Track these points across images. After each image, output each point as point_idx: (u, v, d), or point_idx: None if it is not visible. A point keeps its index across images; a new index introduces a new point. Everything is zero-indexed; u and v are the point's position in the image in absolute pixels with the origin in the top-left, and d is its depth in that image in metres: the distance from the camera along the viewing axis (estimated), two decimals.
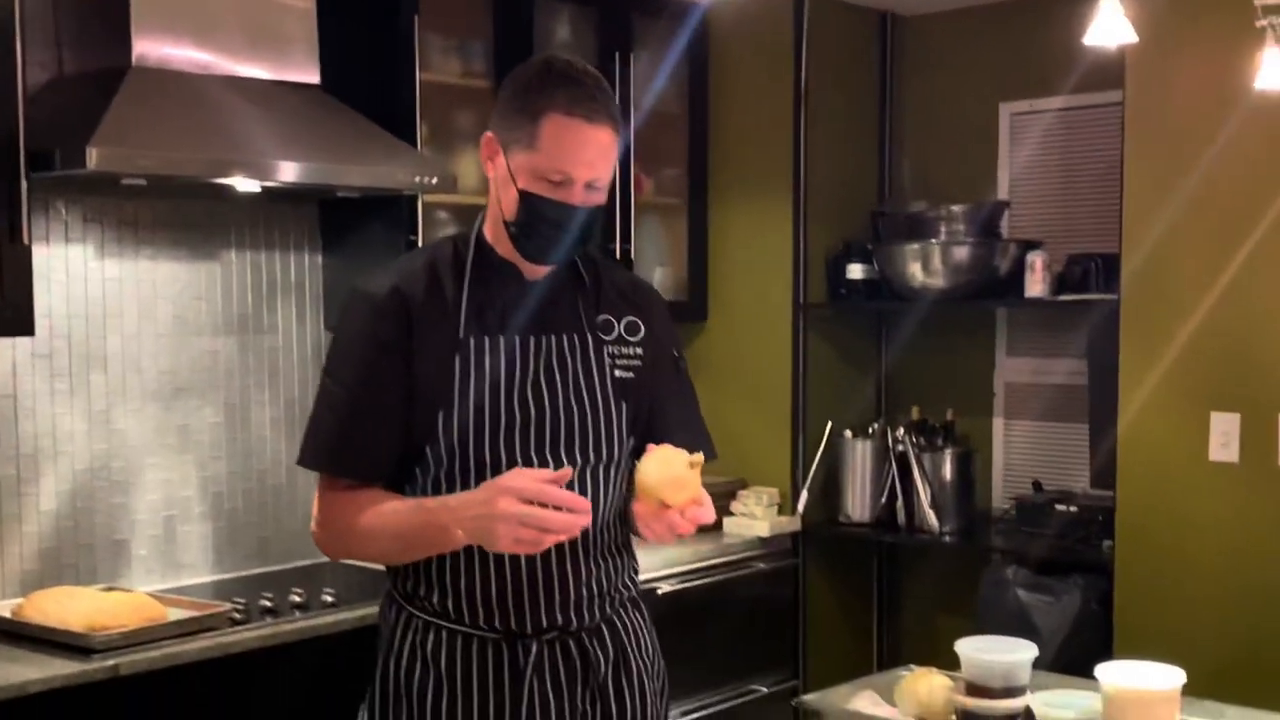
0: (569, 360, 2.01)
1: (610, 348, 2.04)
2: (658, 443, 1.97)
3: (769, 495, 3.95)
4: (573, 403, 1.99)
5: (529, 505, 1.75)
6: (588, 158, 1.91)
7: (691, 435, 2.07)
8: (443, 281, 1.99)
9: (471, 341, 1.96)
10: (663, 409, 2.08)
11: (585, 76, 1.94)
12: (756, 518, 3.90)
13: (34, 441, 2.98)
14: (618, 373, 2.03)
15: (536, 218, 1.94)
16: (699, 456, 1.85)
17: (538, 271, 2.02)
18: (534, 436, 1.96)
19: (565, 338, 2.01)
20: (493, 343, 1.97)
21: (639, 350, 2.06)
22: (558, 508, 1.76)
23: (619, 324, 2.06)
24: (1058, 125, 3.94)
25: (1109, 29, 2.25)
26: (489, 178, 2.01)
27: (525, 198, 1.93)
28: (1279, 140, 3.07)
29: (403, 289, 1.97)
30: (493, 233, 2.02)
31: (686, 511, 1.84)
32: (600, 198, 1.96)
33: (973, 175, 4.07)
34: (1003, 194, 4.02)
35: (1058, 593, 3.49)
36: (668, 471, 1.84)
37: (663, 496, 1.83)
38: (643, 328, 2.08)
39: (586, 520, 1.77)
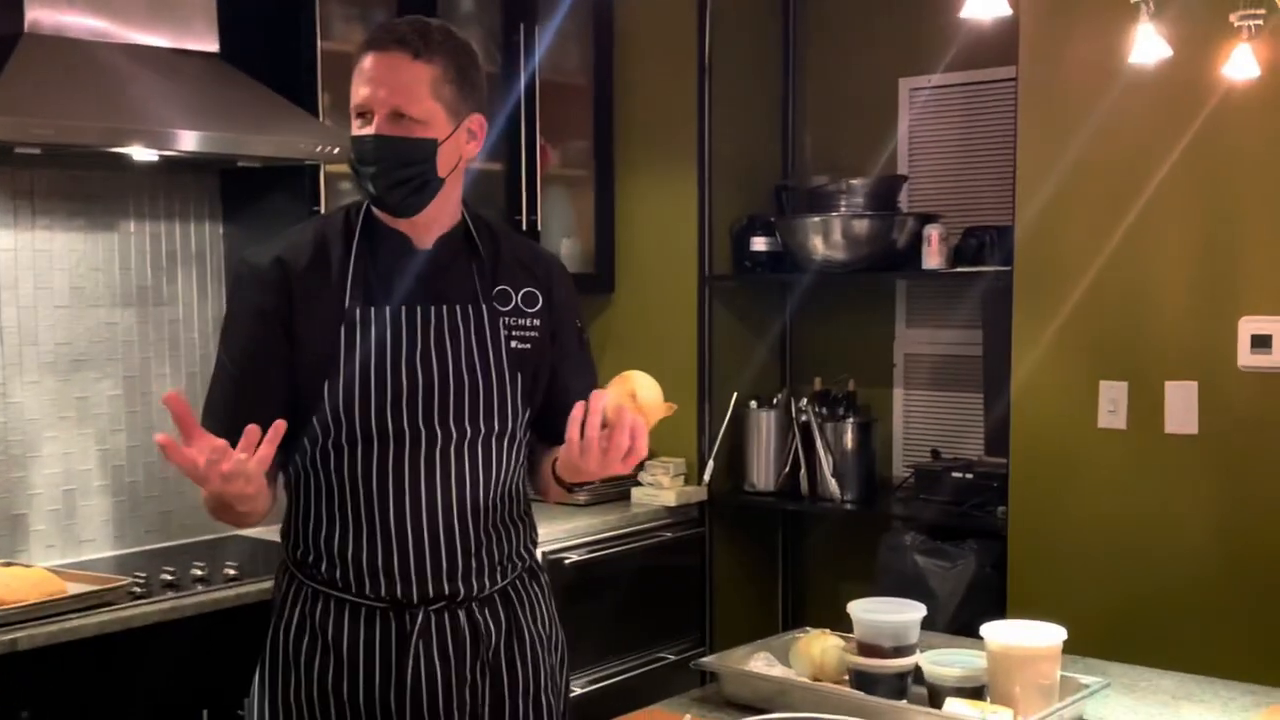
0: (461, 330, 2.01)
1: (506, 319, 2.04)
2: (559, 417, 1.99)
3: (675, 465, 3.99)
4: (464, 373, 2.00)
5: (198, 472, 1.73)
6: (374, 77, 1.92)
7: None
8: (330, 251, 1.99)
9: (357, 311, 1.96)
10: (565, 382, 2.09)
11: (401, 23, 1.97)
12: (663, 487, 3.95)
13: None
14: (513, 344, 2.04)
15: (355, 158, 1.96)
16: (674, 405, 1.90)
17: (427, 240, 2.02)
18: (422, 405, 1.97)
19: (459, 308, 2.02)
20: (379, 312, 1.97)
21: (536, 322, 2.07)
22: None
23: (516, 295, 2.07)
24: (955, 100, 4.02)
25: (985, 2, 2.30)
26: None
27: (350, 142, 1.97)
28: (1160, 113, 3.16)
29: (285, 259, 1.97)
30: None
31: (638, 437, 1.84)
32: (415, 130, 1.92)
33: (873, 149, 4.13)
34: (902, 168, 4.09)
35: (953, 558, 3.58)
36: (659, 397, 1.88)
37: (649, 413, 1.86)
38: (541, 299, 2.08)
39: (246, 456, 1.73)
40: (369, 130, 1.93)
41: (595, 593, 3.65)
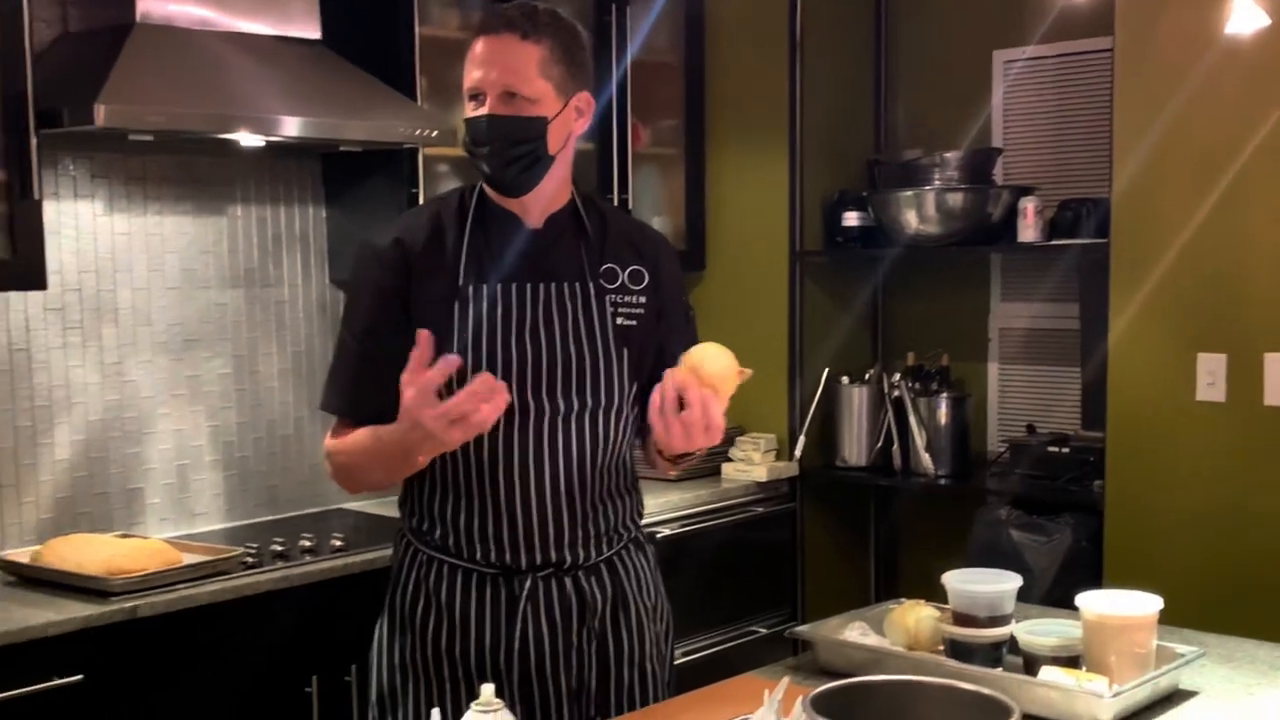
0: (569, 307, 2.06)
1: (612, 295, 2.09)
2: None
3: (766, 441, 4.02)
4: (571, 348, 2.05)
5: (439, 405, 1.80)
6: (485, 60, 1.98)
7: None
8: (445, 231, 2.06)
9: (470, 289, 2.03)
10: (673, 358, 2.14)
11: (509, 7, 2.02)
12: (754, 463, 3.98)
13: (48, 393, 3.05)
14: (619, 320, 2.09)
15: (470, 140, 2.02)
16: (748, 371, 1.91)
17: (538, 219, 2.08)
18: (531, 380, 2.02)
19: (566, 285, 2.07)
20: (491, 290, 2.03)
21: (643, 299, 2.11)
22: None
23: (623, 273, 2.12)
24: (1050, 72, 3.98)
25: None
26: None
27: (464, 125, 2.03)
28: (1257, 82, 3.10)
29: (404, 240, 2.05)
30: None
31: (709, 411, 1.85)
32: (526, 109, 1.98)
33: (966, 122, 4.10)
34: (996, 141, 4.06)
35: (1049, 532, 3.56)
36: (729, 366, 1.88)
37: (719, 384, 1.86)
38: (647, 276, 2.13)
39: (484, 381, 1.81)
40: (482, 111, 1.99)
41: (687, 567, 3.69)
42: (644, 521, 2.17)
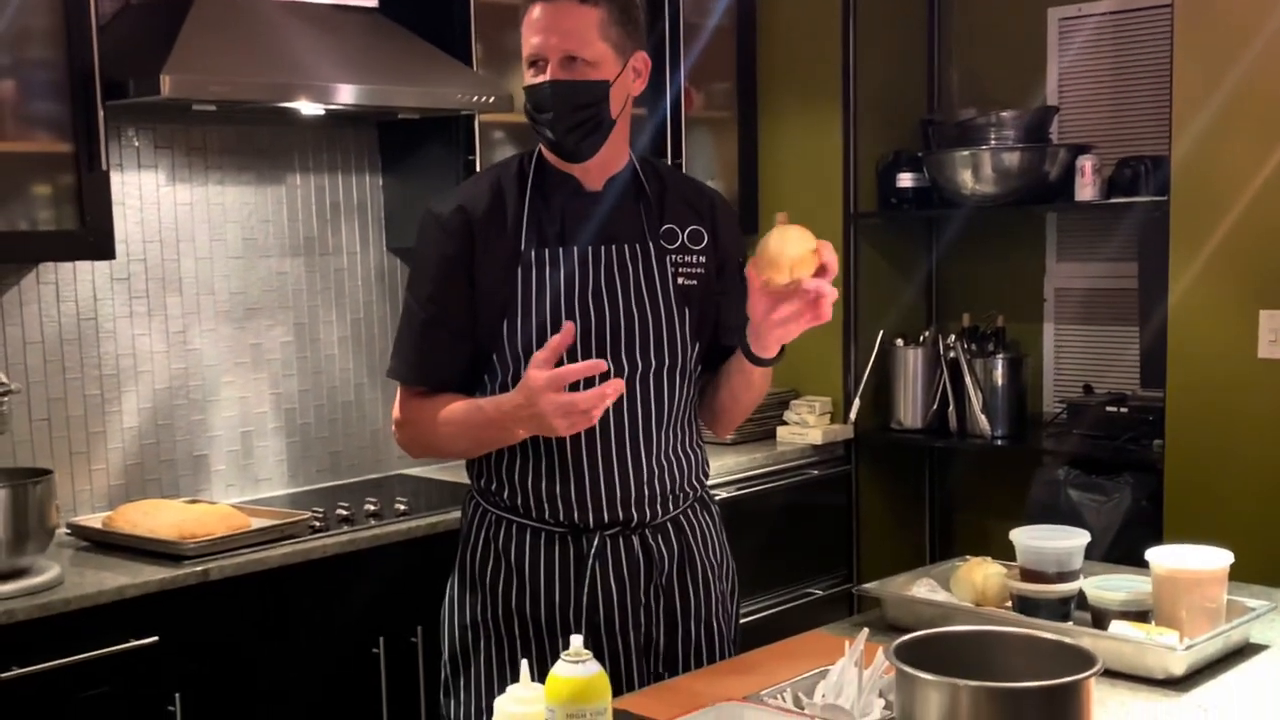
0: (630, 269, 2.08)
1: (673, 256, 2.10)
2: (724, 349, 2.06)
3: (821, 404, 4.02)
4: (634, 309, 2.06)
5: (562, 394, 1.84)
6: (544, 26, 1.98)
7: None
8: (506, 198, 2.07)
9: (532, 254, 2.04)
10: (733, 316, 2.14)
11: None
12: (809, 425, 3.98)
13: (115, 362, 3.10)
14: (680, 280, 2.10)
15: (532, 107, 2.03)
16: (826, 243, 1.85)
17: (597, 181, 2.09)
18: (594, 342, 2.04)
19: (627, 247, 2.08)
20: (553, 254, 2.05)
21: (702, 259, 2.12)
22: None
23: (683, 233, 2.13)
24: (1107, 29, 3.94)
25: None
26: None
27: (525, 92, 2.03)
28: None
29: (466, 207, 2.06)
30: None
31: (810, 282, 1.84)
32: (586, 73, 1.99)
33: (1022, 81, 4.07)
34: (1052, 99, 4.03)
35: (1109, 491, 3.55)
36: (800, 242, 1.83)
37: (795, 266, 1.82)
38: (706, 236, 2.14)
39: (615, 387, 1.85)
40: (543, 78, 1.99)
41: (742, 529, 3.70)
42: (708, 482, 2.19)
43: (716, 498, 3.60)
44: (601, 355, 2.04)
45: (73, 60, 2.67)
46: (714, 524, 2.22)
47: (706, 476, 2.22)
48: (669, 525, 2.13)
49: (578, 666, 1.47)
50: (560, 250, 2.05)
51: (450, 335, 2.06)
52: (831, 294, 1.87)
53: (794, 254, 1.83)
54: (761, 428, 3.98)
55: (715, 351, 2.14)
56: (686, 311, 2.10)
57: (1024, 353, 4.02)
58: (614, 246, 2.08)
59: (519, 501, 2.09)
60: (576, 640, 1.49)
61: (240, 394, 3.33)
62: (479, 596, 2.12)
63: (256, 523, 2.88)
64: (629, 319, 2.06)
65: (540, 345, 2.00)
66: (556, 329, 2.00)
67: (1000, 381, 3.93)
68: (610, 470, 2.06)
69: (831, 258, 1.86)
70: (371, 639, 2.91)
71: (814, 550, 4.01)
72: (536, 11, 1.99)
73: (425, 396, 2.09)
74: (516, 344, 2.03)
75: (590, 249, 2.06)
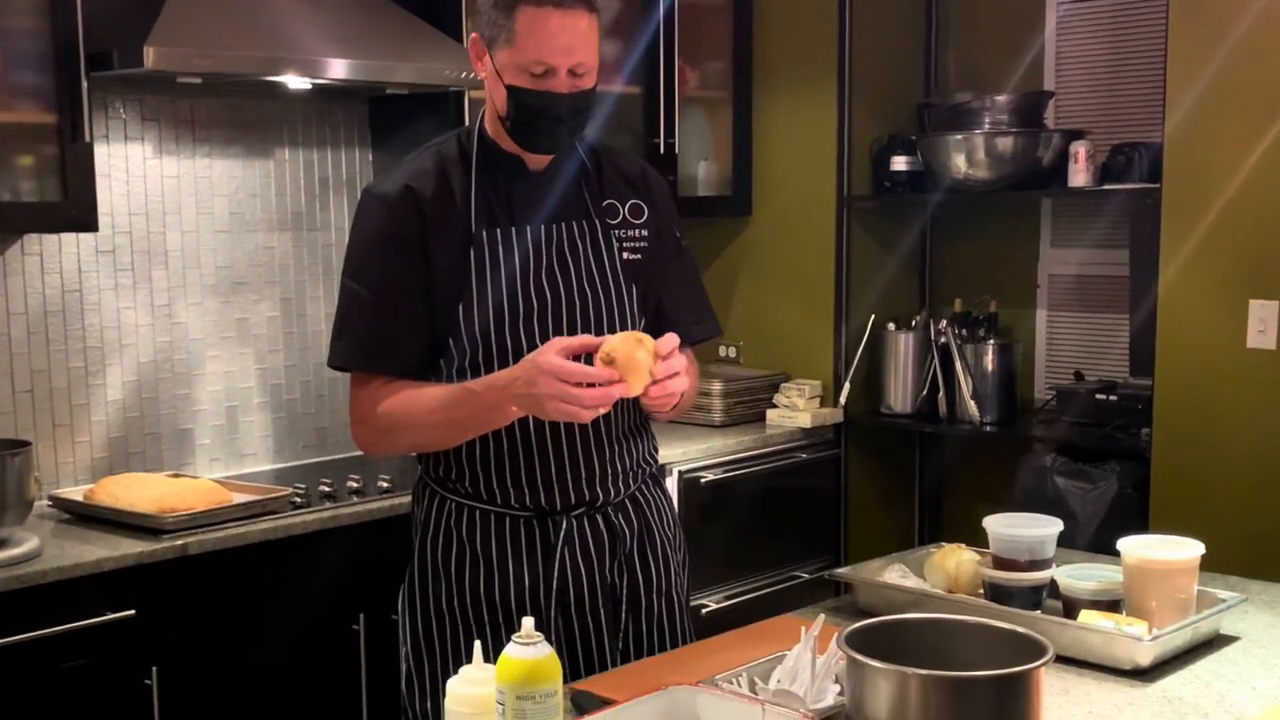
0: (579, 246, 2.07)
1: (617, 231, 2.11)
2: (665, 322, 2.08)
3: (811, 387, 4.01)
4: (585, 287, 2.06)
5: (566, 385, 1.83)
6: (564, 45, 1.95)
7: (697, 313, 2.18)
8: (451, 178, 2.04)
9: (484, 234, 2.03)
10: (669, 288, 2.15)
11: None
12: (799, 409, 3.97)
13: (100, 334, 3.10)
14: (625, 255, 2.10)
15: (527, 112, 1.99)
16: (654, 343, 1.87)
17: (541, 162, 2.08)
18: (551, 322, 2.03)
19: (574, 225, 2.08)
20: (504, 234, 2.04)
21: (644, 232, 2.13)
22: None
23: (623, 208, 2.13)
24: (1103, 14, 3.91)
25: None
26: (480, 77, 2.05)
27: (513, 93, 1.99)
28: None
29: (414, 187, 2.02)
30: (493, 128, 2.07)
31: (650, 391, 1.88)
32: (587, 82, 2.00)
33: (1017, 65, 4.04)
34: (1048, 84, 4.00)
35: (1095, 479, 3.54)
36: (626, 358, 1.86)
37: (630, 370, 1.85)
38: (646, 209, 2.14)
39: (618, 391, 1.84)
40: (559, 87, 1.97)
41: (730, 511, 3.71)
42: (688, 465, 2.18)
43: (704, 480, 3.67)
44: (557, 334, 2.02)
45: (56, 30, 2.67)
46: (665, 497, 2.24)
47: (656, 451, 2.23)
48: (627, 502, 2.14)
49: (529, 649, 1.46)
50: (513, 230, 2.04)
51: (405, 319, 2.01)
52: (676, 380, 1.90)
53: (645, 360, 1.86)
54: (751, 410, 3.98)
55: (661, 324, 2.12)
56: (634, 287, 2.11)
57: (1015, 338, 4.00)
58: (562, 225, 2.07)
59: (481, 488, 2.07)
60: (528, 622, 1.49)
61: (225, 368, 3.32)
62: (441, 585, 2.11)
63: (238, 498, 2.88)
64: (582, 297, 2.06)
65: (497, 326, 2.00)
66: (513, 310, 2.01)
67: (990, 367, 3.92)
68: (575, 451, 2.06)
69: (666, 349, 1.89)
70: (352, 615, 2.92)
71: (801, 533, 4.01)
72: (546, 16, 1.94)
73: (385, 386, 2.03)
74: (474, 326, 2.01)
75: (542, 228, 2.06)
